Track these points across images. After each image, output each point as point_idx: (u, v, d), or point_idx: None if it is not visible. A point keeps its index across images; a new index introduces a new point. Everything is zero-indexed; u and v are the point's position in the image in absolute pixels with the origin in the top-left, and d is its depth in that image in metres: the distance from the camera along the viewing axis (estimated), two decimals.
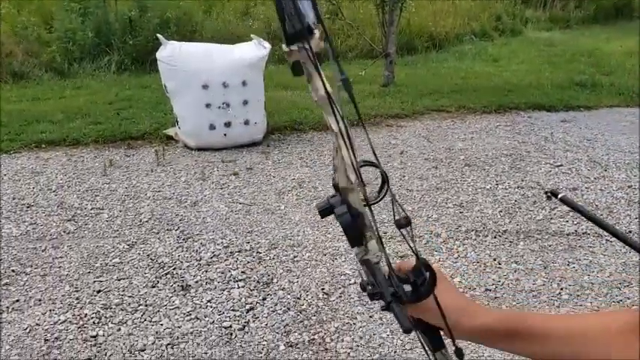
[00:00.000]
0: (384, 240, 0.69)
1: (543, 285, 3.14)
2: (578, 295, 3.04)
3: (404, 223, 0.66)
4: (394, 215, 0.66)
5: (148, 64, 8.47)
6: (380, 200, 0.71)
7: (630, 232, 3.76)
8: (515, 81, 7.84)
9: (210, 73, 5.01)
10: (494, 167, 4.82)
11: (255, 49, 5.24)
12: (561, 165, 4.86)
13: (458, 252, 3.49)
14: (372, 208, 0.66)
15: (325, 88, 0.59)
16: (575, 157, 5.06)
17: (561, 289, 3.10)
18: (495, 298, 3.03)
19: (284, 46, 0.58)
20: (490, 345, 0.74)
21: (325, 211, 0.67)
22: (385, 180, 0.71)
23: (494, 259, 3.40)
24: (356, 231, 0.65)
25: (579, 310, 2.92)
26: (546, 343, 0.69)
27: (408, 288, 0.71)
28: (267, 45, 5.28)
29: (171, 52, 5.08)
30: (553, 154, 5.12)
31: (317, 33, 0.58)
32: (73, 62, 8.64)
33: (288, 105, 6.50)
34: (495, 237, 3.67)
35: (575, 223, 3.79)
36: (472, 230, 3.75)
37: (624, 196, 4.27)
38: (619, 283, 3.14)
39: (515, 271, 3.27)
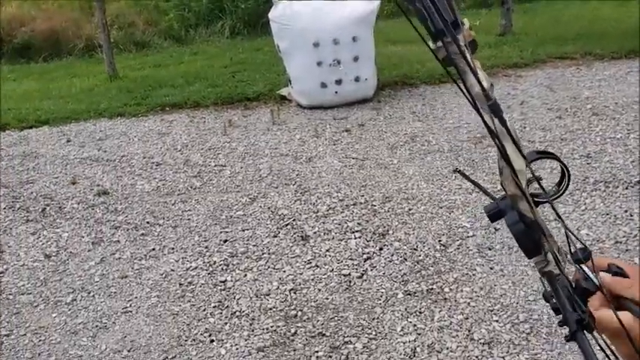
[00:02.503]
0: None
1: None
2: None
3: (581, 256, 0.56)
4: (569, 247, 0.56)
5: (260, 27, 8.65)
6: (559, 196, 0.61)
7: None
8: None
9: (320, 30, 5.02)
10: (625, 116, 4.47)
11: (364, 4, 5.17)
12: None
13: (585, 204, 3.30)
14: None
15: (481, 85, 0.53)
16: None
17: None
18: (627, 250, 2.84)
19: (430, 43, 0.54)
20: None
21: (494, 215, 0.59)
22: (566, 173, 0.62)
23: (626, 211, 3.18)
24: (530, 241, 0.57)
25: None
26: None
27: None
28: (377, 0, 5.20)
29: (282, 12, 5.15)
30: None
31: (466, 24, 0.54)
32: (189, 29, 9.04)
33: (398, 60, 6.39)
34: (627, 188, 3.42)
35: None
36: (601, 181, 3.52)
37: None
38: None
39: None
